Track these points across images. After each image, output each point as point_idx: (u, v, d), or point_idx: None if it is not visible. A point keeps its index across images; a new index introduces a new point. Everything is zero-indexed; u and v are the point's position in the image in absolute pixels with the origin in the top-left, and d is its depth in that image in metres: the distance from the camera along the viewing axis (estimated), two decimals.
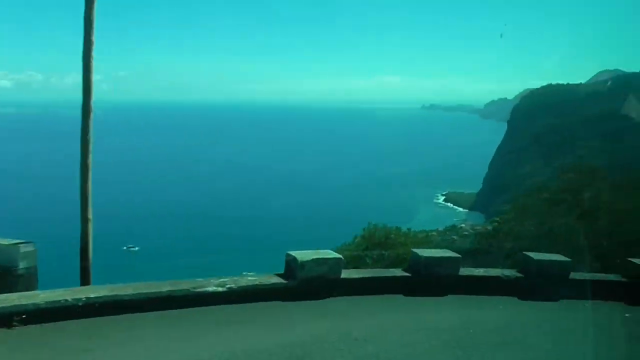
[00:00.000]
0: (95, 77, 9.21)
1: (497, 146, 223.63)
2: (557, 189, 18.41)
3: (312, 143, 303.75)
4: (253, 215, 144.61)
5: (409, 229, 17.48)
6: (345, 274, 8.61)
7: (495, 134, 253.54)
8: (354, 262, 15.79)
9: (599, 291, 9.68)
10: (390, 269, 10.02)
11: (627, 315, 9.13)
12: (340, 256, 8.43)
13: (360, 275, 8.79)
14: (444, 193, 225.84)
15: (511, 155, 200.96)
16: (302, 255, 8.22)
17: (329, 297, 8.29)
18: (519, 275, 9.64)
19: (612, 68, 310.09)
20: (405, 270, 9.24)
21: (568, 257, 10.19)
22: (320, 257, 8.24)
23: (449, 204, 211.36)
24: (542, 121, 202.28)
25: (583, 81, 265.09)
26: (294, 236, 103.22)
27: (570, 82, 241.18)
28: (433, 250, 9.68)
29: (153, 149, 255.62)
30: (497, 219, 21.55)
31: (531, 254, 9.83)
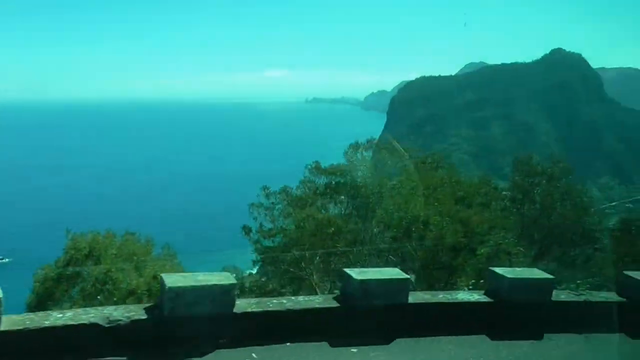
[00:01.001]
0: None
1: (378, 137, 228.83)
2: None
3: (194, 141, 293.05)
4: (127, 219, 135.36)
5: (133, 234, 12.94)
6: None
7: (376, 124, 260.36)
8: (55, 285, 11.03)
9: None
10: None
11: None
12: None
13: None
14: None
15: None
16: None
17: None
18: (137, 318, 5.40)
19: (477, 61, 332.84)
20: None
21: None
22: None
23: None
24: (418, 111, 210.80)
25: (453, 73, 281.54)
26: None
27: (442, 74, 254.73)
28: None
29: (15, 153, 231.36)
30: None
31: (167, 278, 5.64)
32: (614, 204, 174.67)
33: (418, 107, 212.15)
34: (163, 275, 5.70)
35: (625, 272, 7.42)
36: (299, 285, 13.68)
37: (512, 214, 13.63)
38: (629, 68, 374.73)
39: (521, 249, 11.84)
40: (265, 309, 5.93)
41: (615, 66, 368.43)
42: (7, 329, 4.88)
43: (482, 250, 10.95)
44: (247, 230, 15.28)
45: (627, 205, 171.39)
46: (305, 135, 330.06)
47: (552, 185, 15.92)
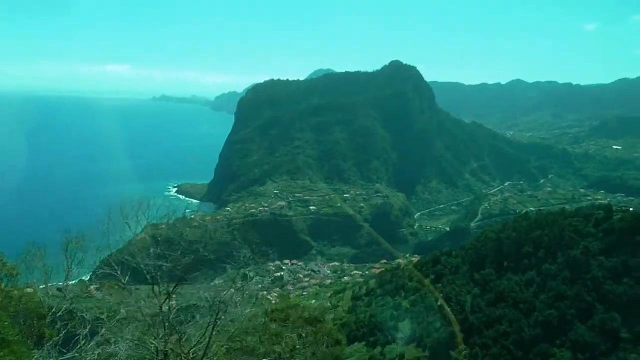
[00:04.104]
0: None
1: (226, 137, 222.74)
2: None
3: (26, 137, 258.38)
4: None
5: None
6: None
7: (225, 125, 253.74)
8: None
9: None
10: None
11: None
12: None
13: None
14: (176, 185, 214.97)
15: (239, 146, 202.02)
16: None
17: None
18: None
19: (325, 68, 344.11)
20: None
21: None
22: None
23: (181, 196, 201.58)
24: (265, 114, 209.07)
25: (302, 78, 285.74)
26: None
27: (291, 79, 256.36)
28: None
29: None
30: None
31: None
32: (442, 206, 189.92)
33: (265, 110, 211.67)
34: None
35: None
36: None
37: None
38: (457, 83, 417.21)
39: None
40: None
41: (445, 80, 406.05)
42: None
43: None
44: None
45: (452, 207, 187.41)
46: (153, 133, 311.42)
47: None
